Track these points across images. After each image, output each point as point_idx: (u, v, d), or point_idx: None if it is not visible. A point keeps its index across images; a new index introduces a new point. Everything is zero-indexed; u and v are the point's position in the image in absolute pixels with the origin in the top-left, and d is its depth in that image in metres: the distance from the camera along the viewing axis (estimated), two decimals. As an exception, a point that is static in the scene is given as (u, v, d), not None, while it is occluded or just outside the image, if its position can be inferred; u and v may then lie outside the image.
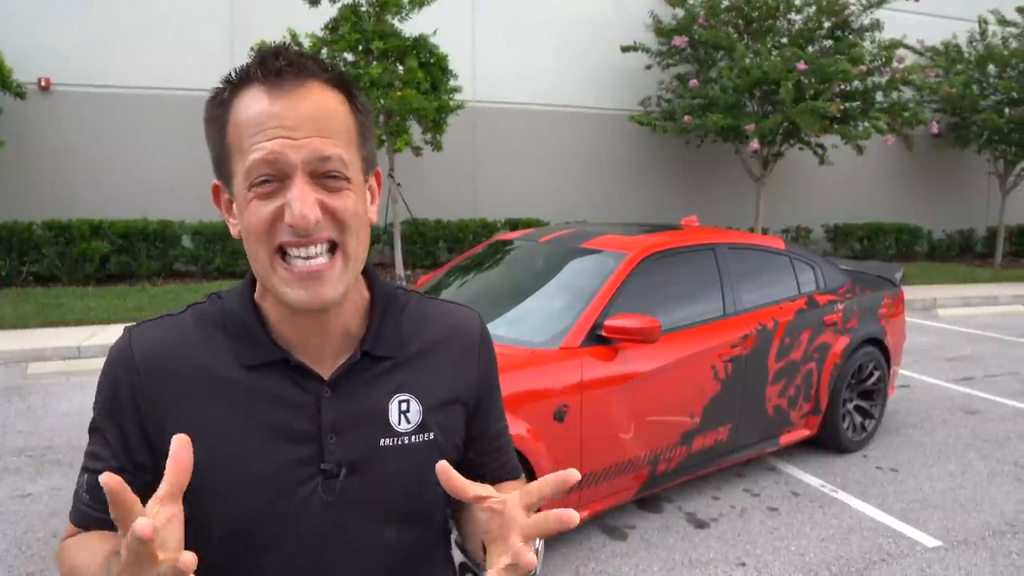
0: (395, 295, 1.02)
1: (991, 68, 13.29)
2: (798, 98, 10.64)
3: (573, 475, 0.73)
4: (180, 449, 0.70)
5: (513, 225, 11.50)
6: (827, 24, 11.39)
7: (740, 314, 3.95)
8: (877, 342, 4.74)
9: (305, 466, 0.91)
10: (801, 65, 10.45)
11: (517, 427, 2.82)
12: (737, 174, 13.03)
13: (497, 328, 3.27)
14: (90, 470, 0.94)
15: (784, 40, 11.44)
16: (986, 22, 13.40)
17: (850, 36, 11.42)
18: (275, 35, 8.50)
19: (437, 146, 9.49)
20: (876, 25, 11.36)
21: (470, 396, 1.04)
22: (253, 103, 0.84)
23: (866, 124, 11.03)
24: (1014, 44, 13.26)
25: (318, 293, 0.85)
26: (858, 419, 4.68)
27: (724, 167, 13.27)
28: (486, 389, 1.07)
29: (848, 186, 14.33)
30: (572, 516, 0.72)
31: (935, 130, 12.77)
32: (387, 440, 0.95)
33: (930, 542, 3.50)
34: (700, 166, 13.34)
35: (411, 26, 8.95)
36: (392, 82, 8.54)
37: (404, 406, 0.96)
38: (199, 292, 8.86)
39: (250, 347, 0.93)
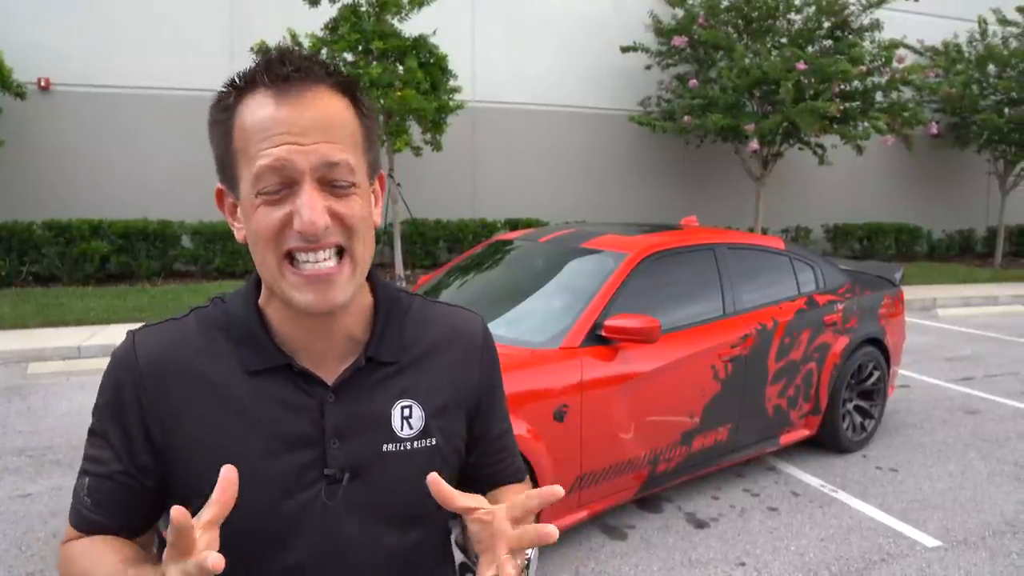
0: (398, 299, 1.02)
1: (991, 68, 13.29)
2: (798, 98, 10.64)
3: (557, 491, 0.77)
4: (228, 482, 0.74)
5: (513, 225, 11.51)
6: (827, 24, 11.39)
7: (740, 314, 3.95)
8: (877, 342, 4.74)
9: (308, 471, 0.91)
10: (801, 65, 10.45)
11: (517, 427, 2.82)
12: (737, 174, 13.03)
13: (497, 328, 3.27)
14: (91, 473, 0.93)
15: (784, 40, 11.44)
16: (986, 22, 13.40)
17: (850, 36, 11.42)
18: (275, 35, 8.51)
19: (437, 146, 9.49)
20: (876, 25, 11.36)
21: (471, 399, 1.04)
22: (259, 108, 0.84)
23: (866, 124, 11.03)
24: (1014, 44, 13.26)
25: (327, 296, 0.85)
26: (858, 419, 4.68)
27: (724, 167, 13.27)
28: (487, 392, 1.07)
29: (848, 186, 14.33)
30: (551, 533, 0.77)
31: (934, 130, 12.77)
32: (390, 445, 0.95)
33: (930, 542, 3.51)
34: (700, 166, 13.34)
35: (411, 26, 8.96)
36: (392, 82, 8.54)
37: (407, 411, 0.97)
38: (199, 292, 8.87)
39: (254, 352, 0.93)
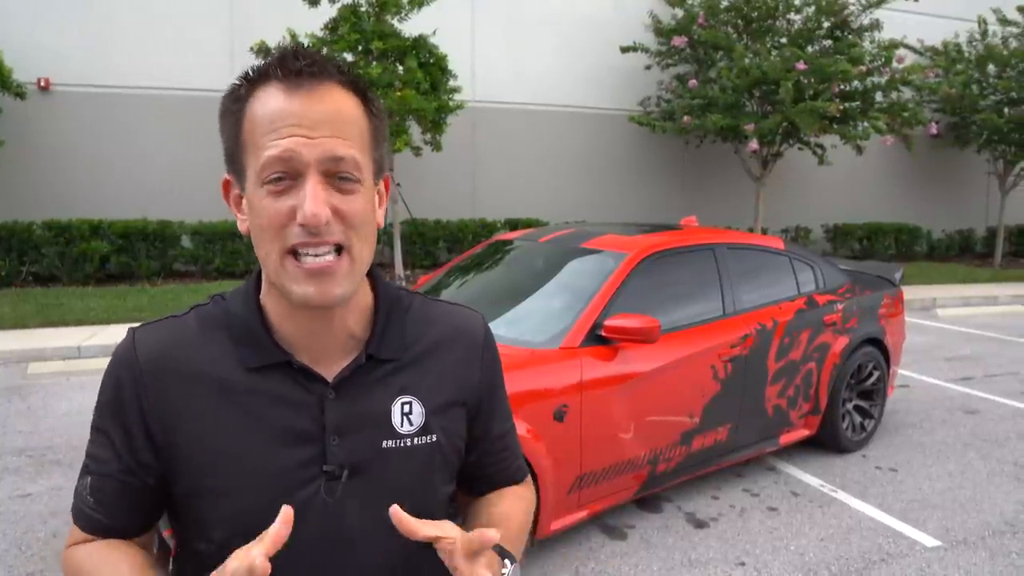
0: (399, 297, 1.03)
1: (991, 68, 13.29)
2: (797, 98, 10.64)
3: (493, 536, 0.83)
4: (285, 521, 0.78)
5: (513, 225, 11.51)
6: (826, 24, 11.39)
7: (740, 314, 3.95)
8: (876, 342, 4.74)
9: (308, 467, 0.91)
10: (800, 65, 10.46)
11: (518, 427, 2.81)
12: (736, 174, 13.04)
13: (497, 328, 3.27)
14: (93, 472, 0.94)
15: (783, 40, 11.44)
16: (985, 22, 13.40)
17: (850, 36, 11.42)
18: (275, 35, 8.49)
19: (437, 146, 9.50)
20: (876, 25, 11.36)
21: (472, 397, 1.04)
22: (270, 100, 0.85)
23: (865, 124, 11.03)
24: (1014, 44, 13.26)
25: (326, 289, 0.86)
26: (857, 419, 4.68)
27: (723, 167, 13.27)
28: (488, 390, 1.07)
29: (847, 186, 14.33)
30: (491, 537, 0.83)
31: (934, 130, 12.77)
32: (389, 442, 0.95)
33: (929, 542, 3.51)
34: (699, 166, 13.34)
35: (410, 26, 8.96)
36: (392, 82, 8.54)
37: (407, 408, 0.97)
38: (199, 292, 8.87)
39: (253, 349, 0.93)
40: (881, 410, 4.82)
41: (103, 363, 6.20)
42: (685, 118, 11.37)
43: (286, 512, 0.78)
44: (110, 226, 9.48)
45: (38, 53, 9.51)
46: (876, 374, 4.73)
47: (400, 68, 8.81)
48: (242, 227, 0.92)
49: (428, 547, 1.02)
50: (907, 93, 12.39)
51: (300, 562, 0.92)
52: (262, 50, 8.33)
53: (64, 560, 0.96)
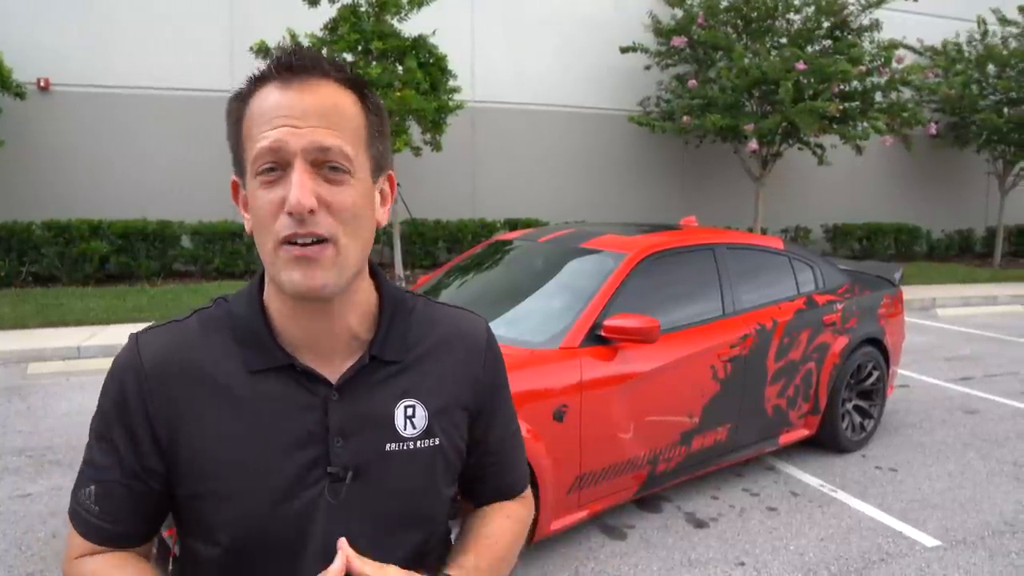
0: (403, 299, 1.03)
1: (990, 68, 13.29)
2: (797, 98, 10.64)
3: None
4: (340, 566, 0.86)
5: (512, 225, 11.51)
6: (826, 24, 11.39)
7: (739, 314, 3.95)
8: (876, 342, 4.74)
9: (311, 469, 0.92)
10: (800, 65, 10.46)
11: (516, 427, 2.82)
12: (736, 174, 13.04)
13: (497, 328, 3.27)
14: (97, 480, 0.93)
15: (783, 40, 11.44)
16: (985, 22, 13.40)
17: (849, 36, 11.42)
18: (275, 35, 8.48)
19: (436, 146, 9.50)
20: (875, 25, 11.36)
21: (473, 400, 1.04)
22: (267, 97, 0.86)
23: (865, 124, 11.03)
24: (1013, 44, 13.26)
25: (310, 274, 0.85)
26: (857, 419, 4.68)
27: (723, 167, 13.28)
28: (490, 393, 1.07)
29: (847, 186, 14.33)
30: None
31: (933, 130, 12.77)
32: (392, 445, 0.95)
33: (929, 542, 3.51)
34: (699, 166, 13.34)
35: (410, 26, 8.96)
36: (391, 82, 8.54)
37: (410, 411, 0.97)
38: (198, 292, 8.87)
39: (257, 352, 0.93)
40: (881, 410, 4.82)
41: (103, 363, 6.20)
42: (685, 118, 11.37)
43: (343, 543, 0.88)
44: (110, 226, 9.48)
45: (38, 53, 9.51)
46: (876, 374, 4.73)
47: (400, 68, 8.81)
48: (248, 227, 0.93)
49: (429, 549, 1.02)
50: (907, 93, 12.39)
51: (304, 563, 0.92)
52: (262, 50, 8.32)
53: (67, 574, 0.95)
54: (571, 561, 3.27)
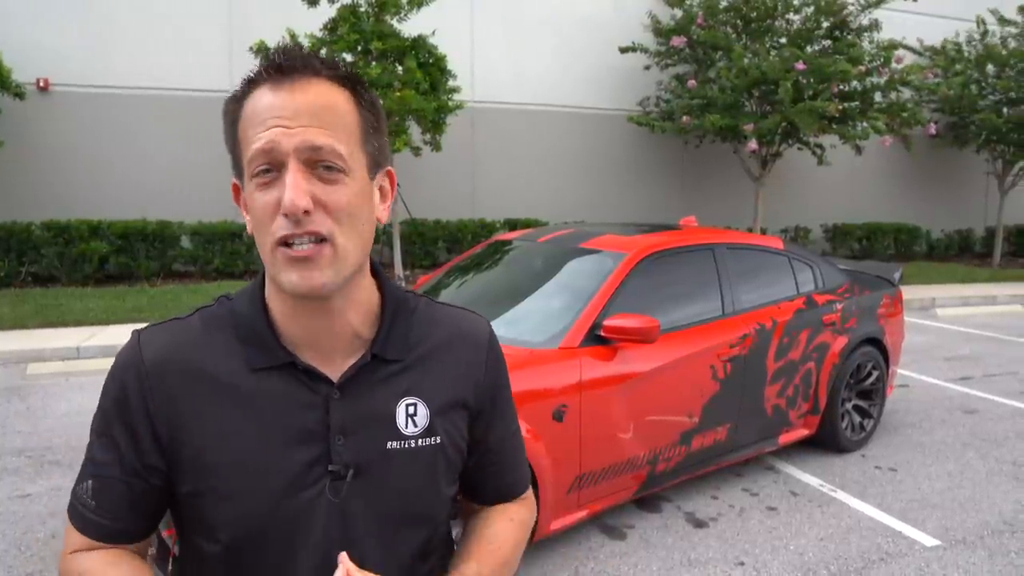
0: (405, 299, 1.03)
1: (990, 68, 13.30)
2: (797, 98, 10.64)
3: None
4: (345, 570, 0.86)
5: (512, 225, 11.51)
6: (826, 24, 11.39)
7: (739, 314, 3.95)
8: (876, 342, 4.74)
9: (313, 467, 0.92)
10: (800, 65, 10.46)
11: (516, 427, 2.82)
12: (736, 174, 13.04)
13: (496, 328, 3.26)
14: (96, 476, 0.93)
15: (783, 40, 11.44)
16: (984, 22, 13.41)
17: (849, 36, 11.42)
18: (274, 35, 8.47)
19: (436, 146, 9.50)
20: (875, 25, 11.37)
21: (474, 399, 1.04)
22: (260, 99, 0.86)
23: (864, 124, 11.03)
24: (1013, 44, 13.26)
25: (307, 275, 0.86)
26: (857, 419, 4.69)
27: (723, 167, 13.28)
28: (490, 394, 1.07)
29: (847, 186, 14.34)
30: None
31: (932, 130, 12.77)
32: (394, 443, 0.95)
33: (929, 541, 3.51)
34: (699, 166, 13.35)
35: (410, 26, 8.96)
36: (391, 82, 8.54)
37: (411, 409, 0.97)
38: (198, 292, 8.86)
39: (259, 350, 0.93)
40: (880, 410, 4.83)
41: (102, 364, 6.20)
42: (684, 118, 11.37)
43: (343, 557, 0.88)
44: (109, 226, 9.47)
45: (37, 53, 9.50)
46: (875, 374, 4.73)
47: (399, 68, 8.81)
48: (249, 228, 0.93)
49: (431, 548, 1.02)
50: (906, 93, 12.39)
51: (305, 561, 0.92)
52: (261, 50, 8.32)
53: (63, 570, 0.96)
54: (571, 561, 3.27)
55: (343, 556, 0.87)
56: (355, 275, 0.92)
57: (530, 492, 1.19)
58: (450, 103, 9.26)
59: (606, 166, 12.82)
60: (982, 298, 10.96)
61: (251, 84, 0.88)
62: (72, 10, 9.71)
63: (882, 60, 11.16)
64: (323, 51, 8.53)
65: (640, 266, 3.66)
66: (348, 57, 8.80)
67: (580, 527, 3.50)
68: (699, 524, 3.65)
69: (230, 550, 0.92)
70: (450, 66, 9.28)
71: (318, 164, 0.85)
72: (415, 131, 9.43)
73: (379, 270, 1.02)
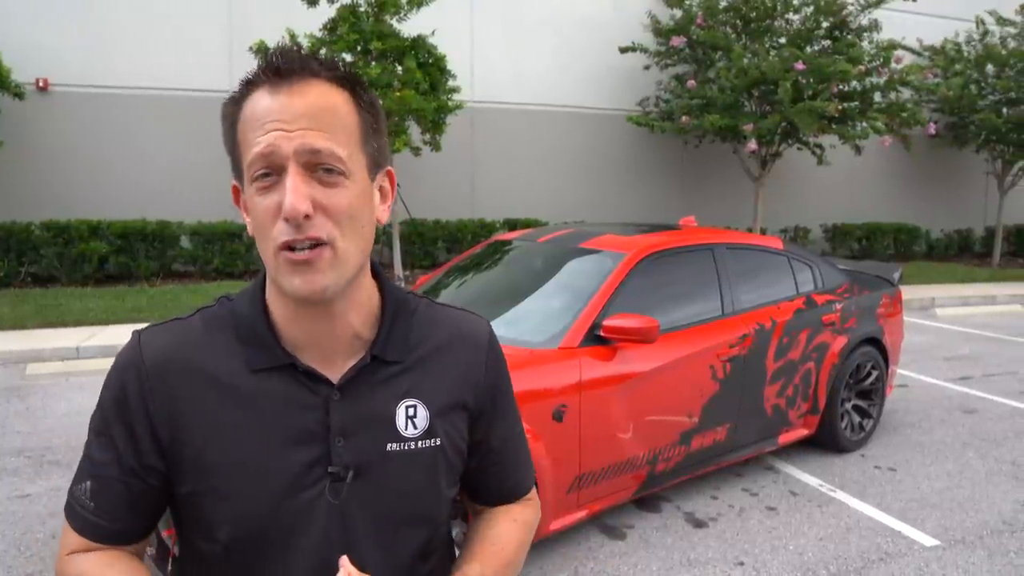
0: (406, 300, 1.03)
1: (989, 68, 13.30)
2: (796, 98, 10.64)
3: None
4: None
5: (512, 225, 11.51)
6: (825, 24, 11.40)
7: (738, 314, 3.95)
8: (875, 342, 4.75)
9: (312, 468, 0.92)
10: (799, 65, 10.46)
11: (516, 427, 2.82)
12: (735, 174, 13.04)
13: (496, 328, 3.24)
14: (94, 476, 0.93)
15: (782, 40, 11.45)
16: (983, 22, 13.41)
17: (848, 36, 11.43)
18: (274, 35, 8.45)
19: (436, 146, 9.50)
20: (874, 25, 11.37)
21: (474, 401, 1.04)
22: (258, 101, 0.86)
23: (864, 124, 11.04)
24: (1012, 44, 13.27)
25: (310, 280, 0.85)
26: (856, 419, 4.69)
27: (722, 167, 13.28)
28: (490, 396, 1.07)
29: (846, 186, 14.34)
30: None
31: (932, 130, 12.78)
32: (394, 445, 0.95)
33: (928, 541, 3.51)
34: (698, 166, 13.35)
35: (409, 26, 8.96)
36: (391, 82, 8.54)
37: (411, 411, 0.97)
38: (198, 292, 8.86)
39: (259, 351, 0.93)
40: (880, 410, 4.83)
41: (102, 364, 6.20)
42: (684, 118, 11.37)
43: (344, 561, 0.87)
44: (109, 226, 9.47)
45: (37, 53, 9.50)
46: (875, 374, 4.74)
47: (399, 68, 8.80)
48: (250, 229, 0.93)
49: (431, 549, 1.02)
50: (906, 93, 12.40)
51: (304, 562, 0.92)
52: (261, 50, 8.31)
53: (60, 571, 0.95)
54: (570, 561, 3.27)
55: (344, 560, 0.87)
56: (356, 277, 0.92)
57: (534, 493, 1.19)
58: (450, 103, 9.26)
59: (606, 166, 12.82)
60: (982, 298, 10.97)
61: (249, 86, 0.88)
62: (72, 10, 9.70)
63: (882, 60, 11.16)
64: (323, 51, 8.53)
65: (640, 266, 3.66)
66: (348, 57, 8.79)
67: (580, 527, 3.51)
68: (699, 524, 3.65)
69: (230, 550, 0.92)
70: (450, 66, 9.28)
71: (318, 167, 0.85)
72: (415, 131, 9.42)
73: (379, 271, 1.02)
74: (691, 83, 11.54)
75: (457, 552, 1.10)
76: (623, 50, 11.84)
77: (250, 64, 0.92)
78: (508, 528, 1.10)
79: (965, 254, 15.81)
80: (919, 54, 13.35)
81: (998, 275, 13.12)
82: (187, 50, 10.13)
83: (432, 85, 9.03)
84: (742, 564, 3.27)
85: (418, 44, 8.93)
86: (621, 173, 12.94)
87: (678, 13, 11.81)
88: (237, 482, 0.90)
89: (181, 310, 0.98)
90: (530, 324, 3.42)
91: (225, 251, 9.99)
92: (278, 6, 9.20)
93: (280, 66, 0.85)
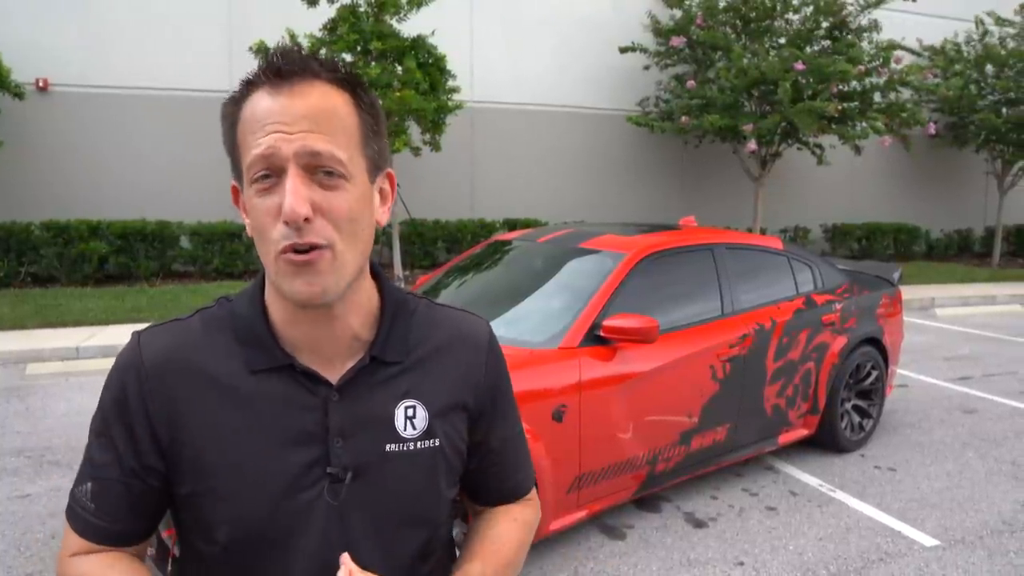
0: (405, 300, 1.03)
1: (988, 68, 13.31)
2: (796, 98, 10.65)
3: None
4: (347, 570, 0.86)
5: (511, 225, 11.51)
6: (825, 24, 11.40)
7: (738, 314, 3.95)
8: (875, 342, 4.75)
9: (311, 469, 0.92)
10: (799, 65, 10.46)
11: (516, 427, 2.82)
12: (735, 174, 13.04)
13: (496, 328, 3.25)
14: (95, 477, 0.93)
15: (782, 40, 11.45)
16: (982, 22, 13.42)
17: (848, 36, 11.43)
18: (273, 35, 8.45)
19: (436, 146, 9.50)
20: (874, 26, 11.37)
21: (473, 401, 1.04)
22: (259, 102, 0.85)
23: (864, 124, 11.04)
24: (1011, 44, 13.28)
25: (312, 283, 0.85)
26: (856, 419, 4.69)
27: (722, 167, 13.28)
28: (490, 397, 1.07)
29: (846, 186, 14.34)
30: None
31: (932, 130, 12.78)
32: (392, 446, 0.95)
33: (928, 541, 3.51)
34: (698, 166, 13.35)
35: (409, 26, 8.96)
36: (391, 82, 8.54)
37: (410, 412, 0.97)
38: (197, 292, 8.86)
39: (258, 352, 0.93)
40: (879, 410, 4.83)
41: (102, 364, 6.20)
42: (683, 118, 11.37)
43: (345, 558, 0.87)
44: (109, 227, 9.47)
45: (36, 53, 9.50)
46: (874, 374, 4.74)
47: (399, 68, 8.80)
48: (249, 230, 0.92)
49: (430, 550, 1.02)
50: (905, 93, 12.40)
51: (303, 563, 0.92)
52: (261, 50, 8.31)
53: (61, 573, 0.95)
54: (570, 561, 3.27)
55: (345, 557, 0.87)
56: (355, 279, 0.92)
57: (534, 493, 1.19)
58: (449, 103, 9.26)
59: (605, 166, 12.82)
60: (981, 298, 10.97)
61: (249, 86, 0.87)
62: (71, 10, 9.70)
63: (881, 60, 11.16)
64: (323, 51, 8.53)
65: (639, 266, 3.66)
66: (347, 57, 8.79)
67: (579, 527, 3.51)
68: (699, 524, 3.65)
69: (229, 551, 0.92)
70: (449, 66, 9.28)
71: (318, 170, 0.84)
72: (414, 131, 9.42)
73: (379, 271, 1.01)
74: (691, 83, 11.55)
75: (457, 552, 1.10)
76: (623, 50, 11.85)
77: (250, 64, 0.92)
78: (509, 528, 1.10)
79: (965, 254, 15.81)
80: (919, 54, 13.36)
81: (998, 275, 13.12)
82: (187, 50, 10.13)
83: (432, 85, 9.03)
84: (742, 564, 3.27)
85: (418, 44, 8.93)
86: (621, 173, 12.94)
87: (678, 13, 11.82)
88: (236, 483, 0.90)
89: (181, 310, 0.98)
90: (530, 324, 3.42)
91: (225, 251, 9.99)
92: (278, 6, 9.20)
93: (281, 67, 0.85)
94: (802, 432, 4.42)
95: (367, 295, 0.97)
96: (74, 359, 6.48)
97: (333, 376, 0.94)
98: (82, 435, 4.38)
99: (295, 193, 0.82)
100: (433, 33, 9.10)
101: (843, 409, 4.59)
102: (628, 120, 12.16)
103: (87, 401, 5.29)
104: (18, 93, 8.91)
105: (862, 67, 10.80)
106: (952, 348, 7.82)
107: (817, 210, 14.18)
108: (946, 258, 15.36)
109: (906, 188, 15.19)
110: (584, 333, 3.28)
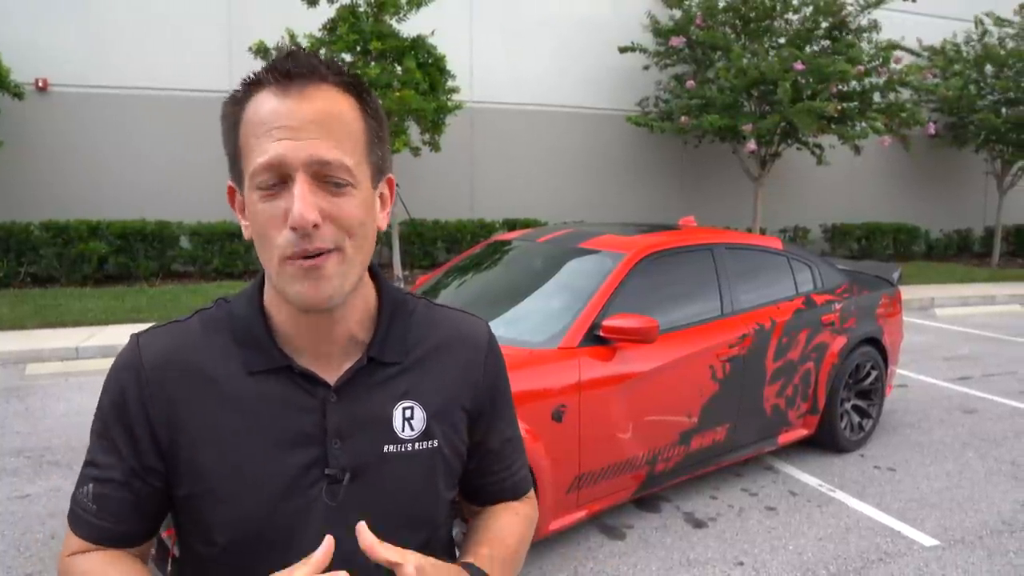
0: (404, 301, 1.02)
1: (988, 68, 13.32)
2: (795, 98, 10.65)
3: None
4: (326, 553, 0.81)
5: (511, 225, 11.51)
6: (824, 24, 11.40)
7: (738, 314, 3.95)
8: (875, 342, 4.75)
9: (309, 471, 0.91)
10: (798, 65, 10.47)
11: (515, 427, 2.82)
12: (735, 174, 13.05)
13: (496, 328, 3.26)
14: (96, 479, 0.93)
15: (782, 40, 11.45)
16: (982, 23, 13.42)
17: (848, 36, 11.43)
18: (273, 35, 8.50)
19: (435, 147, 9.50)
20: (874, 26, 11.38)
21: (473, 402, 1.04)
22: (263, 104, 0.84)
23: (863, 124, 11.04)
24: (1010, 44, 13.28)
25: (319, 287, 0.85)
26: (856, 419, 4.69)
27: (722, 167, 13.28)
28: (489, 398, 1.06)
29: (846, 186, 14.35)
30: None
31: (932, 130, 12.79)
32: (391, 447, 0.95)
33: (927, 541, 3.51)
34: (698, 166, 13.35)
35: (409, 27, 8.96)
36: (390, 83, 8.54)
37: (408, 413, 0.97)
38: (197, 293, 8.86)
39: (256, 353, 0.93)
40: (879, 410, 4.83)
41: (101, 364, 6.20)
42: (683, 118, 11.38)
43: (328, 542, 0.81)
44: (108, 227, 9.47)
45: (36, 53, 9.50)
46: (874, 374, 4.74)
47: (399, 68, 8.81)
48: (246, 233, 0.91)
49: (429, 552, 1.02)
50: (905, 93, 12.41)
51: None
52: (260, 50, 8.32)
53: (62, 571, 0.95)
54: (570, 561, 3.27)
55: (361, 525, 0.84)
56: (357, 283, 0.92)
57: (532, 492, 1.19)
58: (449, 103, 9.26)
59: (605, 166, 12.82)
60: (981, 298, 10.97)
61: (253, 87, 0.86)
62: (70, 10, 9.70)
63: (881, 60, 11.17)
64: (322, 51, 8.53)
65: (639, 266, 3.66)
66: (347, 57, 8.80)
67: (579, 527, 3.51)
68: (698, 524, 3.65)
69: (227, 553, 0.92)
70: (449, 66, 9.28)
71: (327, 178, 0.84)
72: (414, 131, 9.43)
73: (377, 271, 1.01)
74: (690, 83, 11.55)
75: (457, 552, 1.10)
76: (622, 50, 11.85)
77: (250, 64, 0.91)
78: (511, 520, 1.11)
79: (964, 254, 15.82)
80: (918, 54, 13.36)
81: (997, 275, 13.13)
82: (186, 50, 10.13)
83: (431, 85, 9.03)
84: (742, 564, 3.27)
85: (417, 44, 8.94)
86: (620, 173, 12.94)
87: (677, 13, 11.82)
88: (234, 485, 0.90)
89: (180, 310, 0.98)
90: (529, 324, 3.42)
91: (225, 251, 9.99)
92: (278, 6, 9.20)
93: (290, 68, 0.83)
94: (802, 432, 4.42)
95: (365, 296, 0.97)
96: (74, 359, 6.48)
97: (331, 377, 0.94)
98: (82, 435, 4.38)
99: (303, 199, 0.81)
100: (433, 33, 9.10)
101: (843, 409, 4.60)
102: (628, 120, 12.16)
103: (87, 401, 5.29)
104: (18, 93, 8.91)
105: (862, 67, 10.81)
106: (952, 348, 7.82)
107: (817, 210, 14.18)
108: (946, 258, 15.37)
109: (906, 188, 15.20)
110: (584, 333, 3.28)
